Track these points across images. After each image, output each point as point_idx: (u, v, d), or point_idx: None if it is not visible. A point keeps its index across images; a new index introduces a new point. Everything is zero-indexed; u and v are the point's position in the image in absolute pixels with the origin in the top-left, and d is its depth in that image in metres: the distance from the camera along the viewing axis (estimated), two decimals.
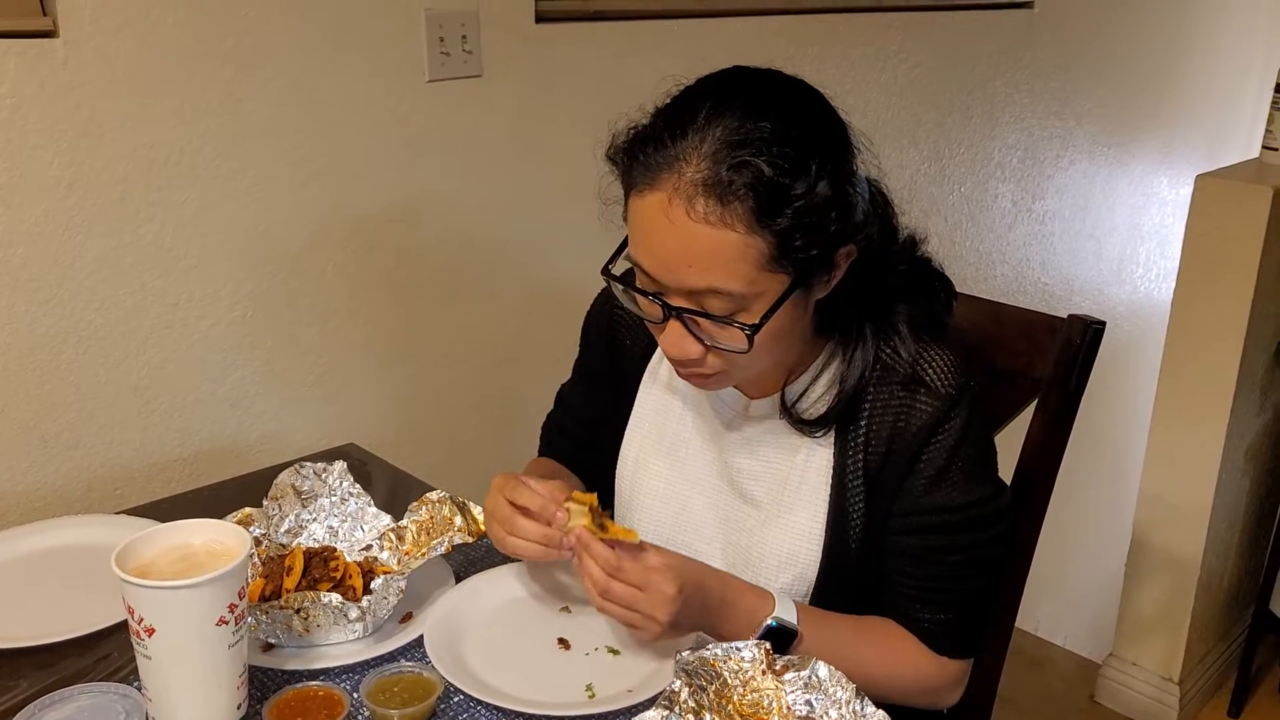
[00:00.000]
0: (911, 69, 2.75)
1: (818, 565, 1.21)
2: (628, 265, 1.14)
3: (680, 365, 1.14)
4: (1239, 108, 4.17)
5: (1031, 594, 1.44)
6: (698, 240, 1.03)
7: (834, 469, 1.20)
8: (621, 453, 1.36)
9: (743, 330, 1.06)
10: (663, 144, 1.05)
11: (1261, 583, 2.71)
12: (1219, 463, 2.50)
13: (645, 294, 1.10)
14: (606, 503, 1.38)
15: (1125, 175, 3.69)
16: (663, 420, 1.32)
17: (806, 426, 1.19)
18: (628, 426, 1.35)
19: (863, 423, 1.18)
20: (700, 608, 1.12)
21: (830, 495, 1.21)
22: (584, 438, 1.45)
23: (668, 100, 1.12)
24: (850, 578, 1.21)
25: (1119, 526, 2.89)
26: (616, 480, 1.36)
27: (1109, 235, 3.72)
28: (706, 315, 1.07)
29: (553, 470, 1.45)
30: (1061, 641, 3.15)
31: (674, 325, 1.10)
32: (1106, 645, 2.84)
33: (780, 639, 1.14)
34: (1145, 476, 2.66)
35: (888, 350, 1.17)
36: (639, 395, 1.34)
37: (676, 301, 1.08)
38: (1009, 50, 3.04)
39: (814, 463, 1.21)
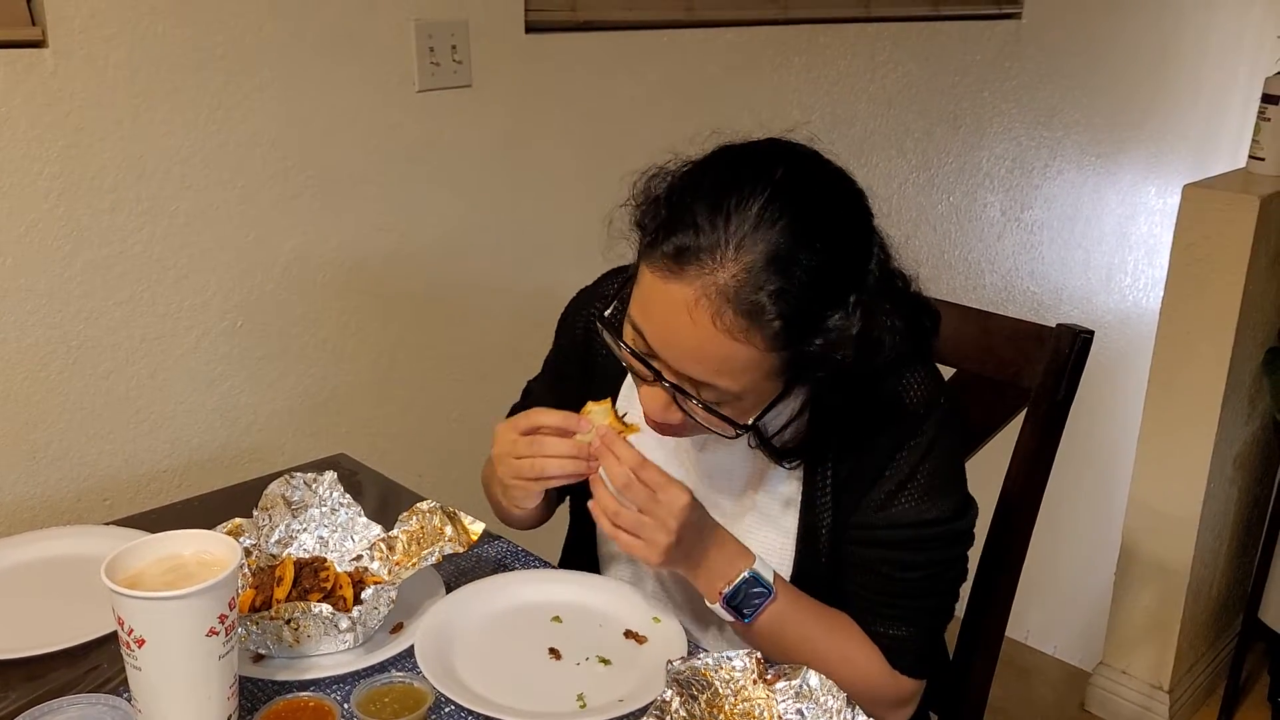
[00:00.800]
0: (900, 79, 2.77)
1: (789, 579, 1.21)
2: (620, 279, 1.13)
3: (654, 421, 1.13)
4: (1225, 118, 4.20)
5: (1021, 603, 1.44)
6: (715, 346, 1.01)
7: (803, 484, 1.20)
8: None
9: (733, 426, 1.06)
10: (699, 230, 0.99)
11: (1250, 591, 2.72)
12: (1207, 471, 2.51)
13: (638, 356, 1.08)
14: (582, 510, 1.38)
15: (1113, 185, 3.71)
16: (639, 438, 1.31)
17: (779, 456, 1.17)
18: None
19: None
20: (698, 535, 1.13)
21: (800, 511, 1.21)
22: None
23: (709, 167, 1.06)
24: (821, 591, 1.21)
25: (1108, 535, 2.89)
26: None
27: (1097, 244, 3.73)
28: (697, 399, 1.06)
29: None
30: (1051, 650, 3.15)
31: (660, 391, 1.08)
32: (1096, 654, 2.85)
33: (752, 597, 1.15)
34: (1134, 485, 2.66)
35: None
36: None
37: (670, 376, 1.06)
38: (997, 60, 3.06)
39: (784, 478, 1.21)
